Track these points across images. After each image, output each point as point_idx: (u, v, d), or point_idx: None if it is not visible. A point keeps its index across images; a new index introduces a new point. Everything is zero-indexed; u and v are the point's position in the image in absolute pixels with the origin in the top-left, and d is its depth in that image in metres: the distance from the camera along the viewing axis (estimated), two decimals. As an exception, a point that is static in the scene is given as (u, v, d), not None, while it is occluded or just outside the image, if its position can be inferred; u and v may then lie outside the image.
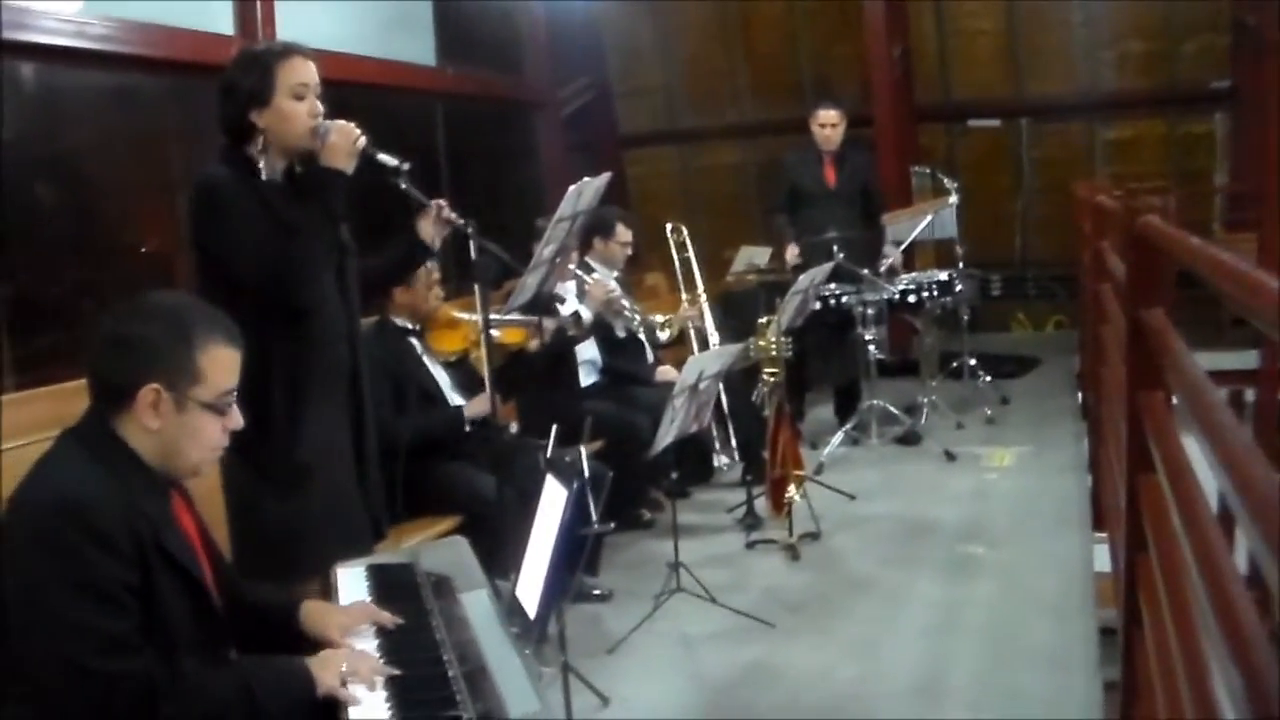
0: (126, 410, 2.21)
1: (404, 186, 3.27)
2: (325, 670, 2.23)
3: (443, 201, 3.50)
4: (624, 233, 6.35)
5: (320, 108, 3.16)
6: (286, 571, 2.96)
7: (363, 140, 3.17)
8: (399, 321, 4.81)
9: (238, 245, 3.05)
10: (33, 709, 2.06)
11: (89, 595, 2.03)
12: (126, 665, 2.05)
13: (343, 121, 3.17)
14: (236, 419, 2.35)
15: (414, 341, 4.83)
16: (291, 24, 6.51)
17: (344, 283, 3.31)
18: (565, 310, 5.76)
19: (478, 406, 4.65)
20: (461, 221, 3.50)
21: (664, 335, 6.32)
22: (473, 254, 3.60)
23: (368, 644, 2.41)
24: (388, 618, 2.50)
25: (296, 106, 3.12)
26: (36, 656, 2.04)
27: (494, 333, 4.34)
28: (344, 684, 2.21)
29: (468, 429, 4.77)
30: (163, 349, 2.22)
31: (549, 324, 5.23)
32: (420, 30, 8.39)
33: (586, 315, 5.80)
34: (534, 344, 5.10)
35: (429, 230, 3.48)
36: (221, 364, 2.29)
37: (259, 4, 6.36)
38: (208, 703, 2.13)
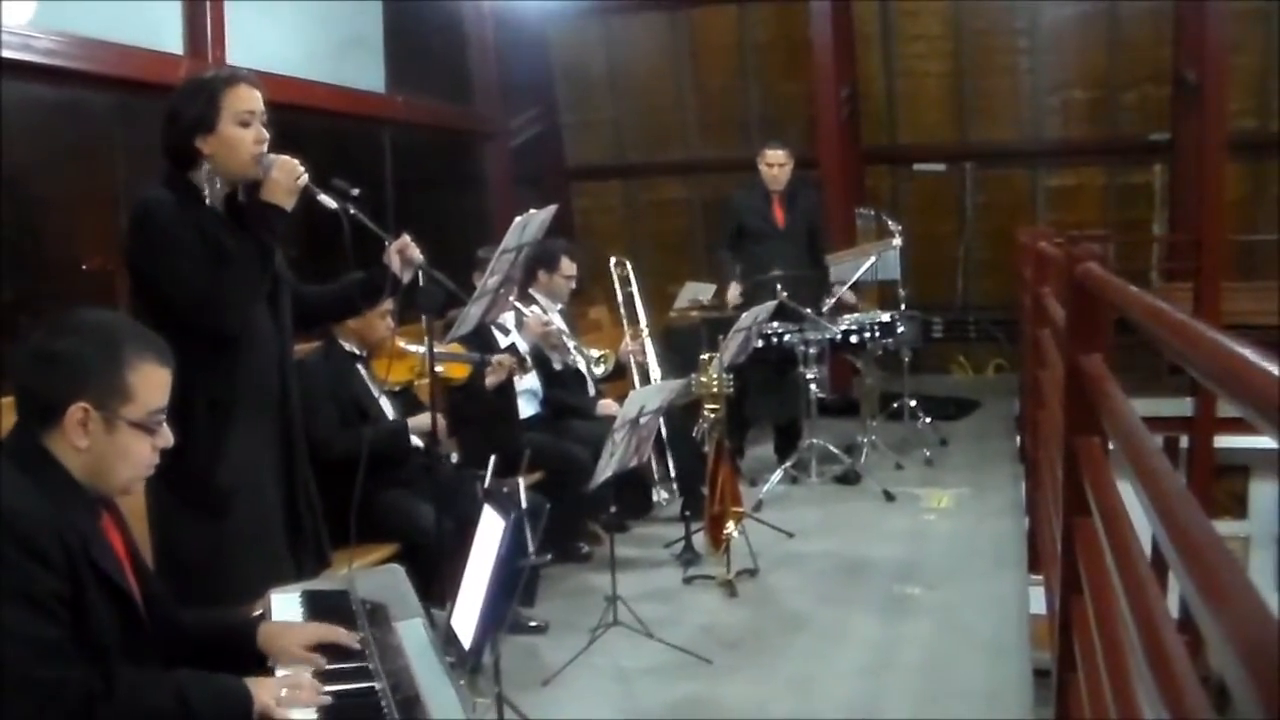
0: (55, 427, 2.18)
1: (351, 212, 3.25)
2: (262, 689, 2.20)
3: (407, 239, 3.48)
4: (568, 266, 6.35)
5: (266, 134, 3.16)
6: (208, 596, 2.92)
7: (305, 178, 3.16)
8: (347, 346, 4.80)
9: (171, 269, 3.04)
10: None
11: (23, 603, 2.00)
12: (65, 672, 2.02)
13: (286, 157, 3.16)
14: (167, 437, 2.32)
15: (359, 368, 4.81)
16: (241, 45, 6.49)
17: (276, 311, 3.31)
18: (504, 340, 5.76)
19: (421, 421, 4.64)
20: (422, 259, 3.48)
21: (599, 370, 6.32)
22: (420, 282, 3.59)
23: (302, 669, 2.38)
24: (345, 634, 2.48)
25: (242, 133, 3.12)
26: None
27: (438, 368, 4.33)
28: (281, 704, 2.18)
29: (413, 442, 4.75)
30: (92, 367, 2.19)
31: (499, 360, 5.24)
32: (371, 56, 8.40)
33: (523, 347, 5.79)
34: (490, 379, 5.11)
35: (398, 261, 3.46)
36: (152, 383, 2.26)
37: (209, 24, 6.33)
38: (145, 710, 2.10)
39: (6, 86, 5.17)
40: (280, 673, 2.36)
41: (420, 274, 3.54)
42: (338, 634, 2.48)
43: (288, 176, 3.14)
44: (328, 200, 3.21)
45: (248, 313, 3.16)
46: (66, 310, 2.31)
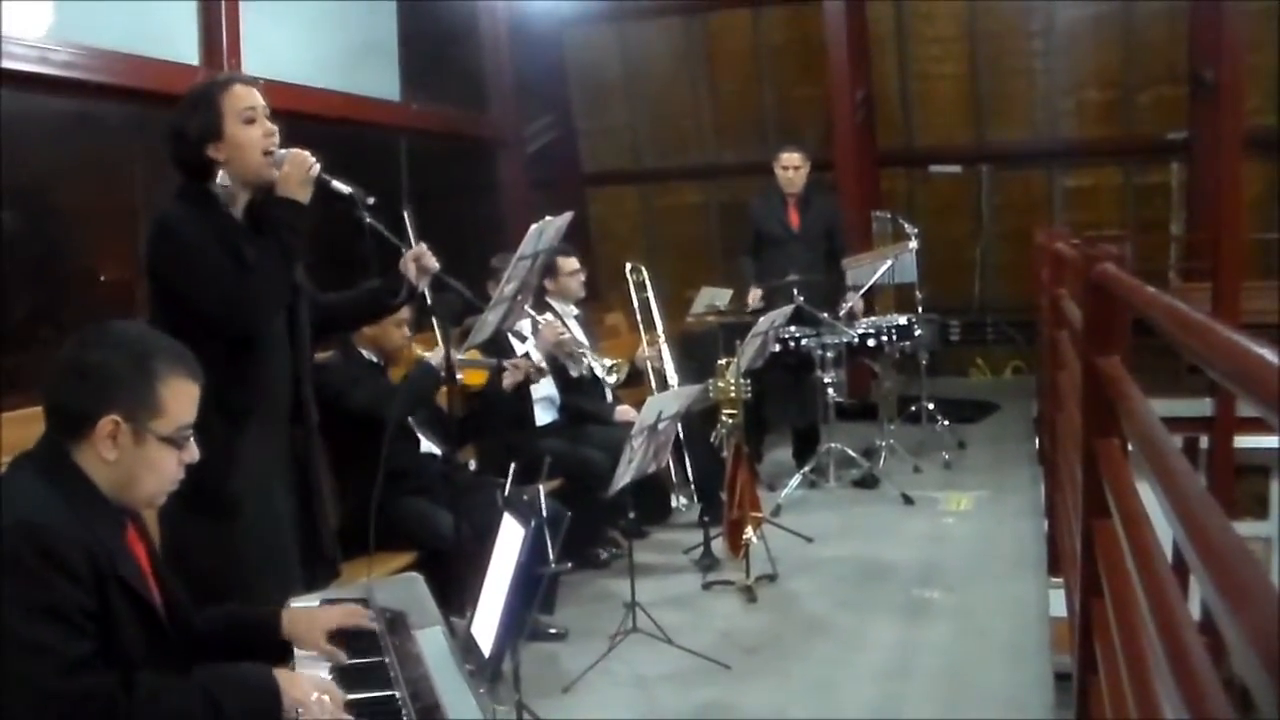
0: (84, 439, 2.19)
1: (367, 219, 3.25)
2: (292, 685, 2.22)
3: (423, 246, 3.48)
4: (567, 264, 6.32)
5: (273, 128, 3.17)
6: (216, 602, 2.92)
7: (316, 168, 3.17)
8: (365, 354, 4.80)
9: (194, 278, 3.05)
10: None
11: (49, 618, 2.01)
12: (89, 684, 2.03)
13: (296, 150, 3.18)
14: (193, 452, 2.32)
15: (377, 376, 4.81)
16: (256, 54, 6.50)
17: (294, 322, 3.32)
18: (521, 348, 5.75)
19: (438, 354, 4.61)
20: (438, 267, 3.49)
21: (612, 379, 6.30)
22: (427, 293, 3.60)
23: (322, 674, 2.39)
24: (364, 615, 2.54)
25: (249, 131, 3.13)
26: None
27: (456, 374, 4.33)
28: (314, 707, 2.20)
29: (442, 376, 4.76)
30: (123, 380, 2.19)
31: (514, 363, 5.24)
32: (385, 64, 8.41)
33: (537, 355, 5.79)
34: (508, 381, 5.10)
35: (414, 270, 3.46)
36: (182, 397, 2.27)
37: (224, 33, 6.35)
38: (171, 716, 2.11)
39: (24, 99, 5.19)
40: (300, 654, 2.41)
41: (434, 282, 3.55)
42: (358, 615, 2.56)
43: (299, 168, 3.15)
44: (342, 186, 3.22)
45: (273, 314, 3.17)
46: (89, 322, 2.32)
